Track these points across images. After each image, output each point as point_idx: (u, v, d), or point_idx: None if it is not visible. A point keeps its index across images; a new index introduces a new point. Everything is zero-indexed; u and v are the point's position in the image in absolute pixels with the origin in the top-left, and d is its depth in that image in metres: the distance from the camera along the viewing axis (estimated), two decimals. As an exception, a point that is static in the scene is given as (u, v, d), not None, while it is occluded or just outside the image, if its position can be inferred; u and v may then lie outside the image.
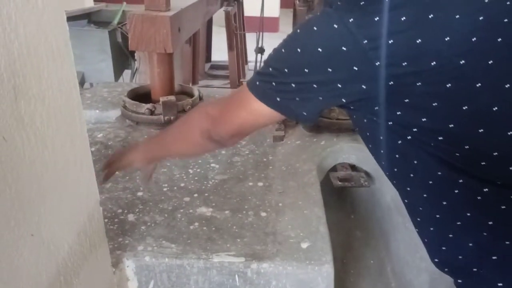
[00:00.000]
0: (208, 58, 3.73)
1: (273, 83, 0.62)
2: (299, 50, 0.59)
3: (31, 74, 0.57)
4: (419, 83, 0.53)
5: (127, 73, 3.44)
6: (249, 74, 3.45)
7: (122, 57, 3.25)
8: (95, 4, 5.32)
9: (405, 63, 0.52)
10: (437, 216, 0.63)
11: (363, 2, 0.54)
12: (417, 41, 0.51)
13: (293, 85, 0.60)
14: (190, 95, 1.55)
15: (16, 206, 0.55)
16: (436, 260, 0.69)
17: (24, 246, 0.58)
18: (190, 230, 1.00)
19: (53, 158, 0.63)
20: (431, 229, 0.66)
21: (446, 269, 0.68)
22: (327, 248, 0.95)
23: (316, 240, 0.98)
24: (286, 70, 0.61)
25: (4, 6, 0.51)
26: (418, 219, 0.68)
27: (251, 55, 3.28)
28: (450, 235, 0.63)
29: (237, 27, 2.80)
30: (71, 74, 0.67)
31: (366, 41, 0.53)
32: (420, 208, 0.66)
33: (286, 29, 5.53)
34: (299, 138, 1.47)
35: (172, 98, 1.37)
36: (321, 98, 0.60)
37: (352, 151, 1.41)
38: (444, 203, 0.61)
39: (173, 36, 1.33)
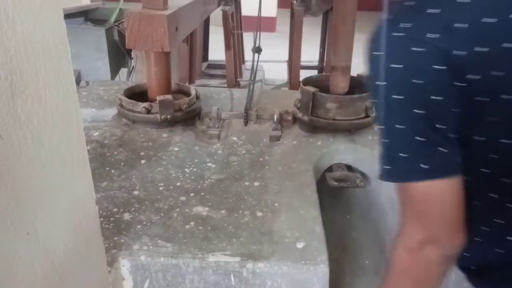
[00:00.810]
0: (205, 57, 3.71)
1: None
2: (397, 96, 0.55)
3: (28, 72, 0.57)
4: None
5: (123, 71, 3.43)
6: (246, 74, 3.44)
7: (119, 55, 3.23)
8: (92, 1, 5.30)
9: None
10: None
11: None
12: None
13: (418, 138, 0.55)
14: (187, 94, 1.54)
15: (12, 205, 0.55)
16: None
17: (20, 245, 0.58)
18: (186, 230, 1.00)
19: (49, 157, 0.63)
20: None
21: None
22: (323, 248, 0.96)
23: (312, 240, 0.98)
24: (398, 126, 0.56)
25: (1, 4, 0.50)
26: None
27: (248, 55, 3.27)
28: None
29: (234, 27, 2.80)
30: (68, 72, 0.66)
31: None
32: None
33: (283, 28, 5.53)
34: (296, 138, 1.48)
35: (169, 97, 1.37)
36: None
37: (348, 152, 1.42)
38: None
39: (170, 35, 1.32)
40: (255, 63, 2.05)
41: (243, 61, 3.59)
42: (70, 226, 0.71)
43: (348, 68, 1.45)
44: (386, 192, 1.31)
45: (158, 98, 1.36)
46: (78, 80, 3.19)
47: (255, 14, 2.37)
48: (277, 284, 0.92)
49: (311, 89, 1.40)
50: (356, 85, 1.55)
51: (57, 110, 0.64)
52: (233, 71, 2.69)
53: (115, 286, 0.91)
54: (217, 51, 3.62)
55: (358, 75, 1.56)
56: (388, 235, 1.29)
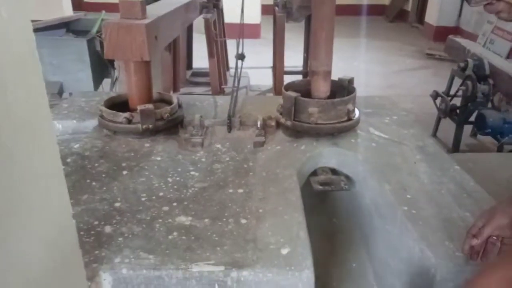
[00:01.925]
0: (189, 65, 3.72)
1: None
2: None
3: (-6, 87, 0.55)
4: None
5: (107, 82, 3.40)
6: (231, 80, 3.44)
7: (101, 66, 3.21)
8: (74, 13, 5.26)
9: None
10: None
11: None
12: None
13: None
14: (169, 102, 1.53)
15: (-20, 223, 0.53)
16: None
17: (-10, 264, 0.56)
18: (169, 240, 0.98)
19: (21, 172, 0.61)
20: None
21: None
22: (307, 254, 0.95)
23: (296, 246, 0.97)
24: None
25: (-38, 17, 0.49)
26: None
27: (232, 62, 3.28)
28: None
29: (217, 34, 2.80)
30: (38, 85, 0.65)
31: None
32: None
33: (267, 35, 5.55)
34: (280, 143, 1.47)
35: (150, 106, 1.36)
36: None
37: (332, 155, 1.42)
38: None
39: (149, 44, 1.32)
40: (239, 70, 2.05)
41: (228, 68, 3.59)
42: (45, 242, 0.69)
43: (328, 73, 1.46)
44: (371, 195, 1.32)
45: (139, 107, 1.35)
46: (60, 92, 3.15)
47: (239, 21, 2.38)
48: (262, 291, 0.91)
49: (292, 94, 1.41)
50: (338, 89, 1.56)
51: (28, 125, 0.63)
52: (217, 78, 2.69)
53: (97, 301, 0.89)
54: (201, 58, 3.62)
55: (339, 79, 1.57)
56: (373, 237, 1.29)
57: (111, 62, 3.18)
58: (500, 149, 2.67)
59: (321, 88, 1.45)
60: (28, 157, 0.63)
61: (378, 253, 1.25)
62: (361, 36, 7.73)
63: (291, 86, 1.53)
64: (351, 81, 1.54)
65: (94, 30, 3.12)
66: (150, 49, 1.32)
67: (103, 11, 3.51)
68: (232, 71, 3.63)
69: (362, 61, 6.27)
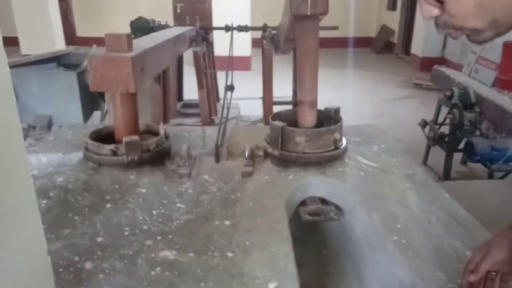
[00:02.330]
0: (180, 97, 3.74)
1: None
2: None
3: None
4: None
5: (97, 114, 3.40)
6: (220, 111, 3.46)
7: (91, 98, 3.23)
8: (66, 47, 5.31)
9: None
10: None
11: None
12: None
13: None
14: (156, 134, 1.52)
15: None
16: None
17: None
18: (151, 276, 0.95)
19: (-10, 208, 0.59)
20: None
21: None
22: (295, 287, 0.92)
23: (284, 279, 0.94)
24: None
25: None
26: None
27: (222, 93, 3.32)
28: None
29: (206, 66, 2.84)
30: (12, 119, 0.64)
31: None
32: None
33: (258, 67, 5.65)
34: (267, 173, 1.46)
35: (135, 137, 1.35)
36: None
37: (320, 184, 1.41)
38: None
39: (135, 76, 1.32)
40: (228, 101, 2.07)
41: (218, 99, 3.62)
42: (19, 279, 0.66)
43: (314, 102, 1.47)
44: (360, 224, 1.29)
45: (124, 139, 1.34)
46: (50, 125, 3.14)
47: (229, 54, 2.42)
48: (249, 329, 0.87)
49: (279, 123, 1.41)
50: (325, 119, 1.57)
51: (1, 161, 0.61)
52: (207, 109, 2.70)
53: None
54: (192, 90, 3.66)
55: (325, 108, 1.58)
56: (364, 268, 1.25)
57: (101, 94, 3.20)
58: (490, 176, 2.68)
59: (308, 117, 1.46)
60: (1, 194, 0.61)
61: (369, 285, 1.22)
62: (349, 67, 7.91)
63: (278, 116, 1.53)
64: (337, 110, 1.55)
65: (85, 63, 3.15)
66: (136, 81, 1.32)
67: (94, 45, 3.56)
68: (222, 102, 3.66)
69: (351, 91, 6.38)
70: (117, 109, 1.40)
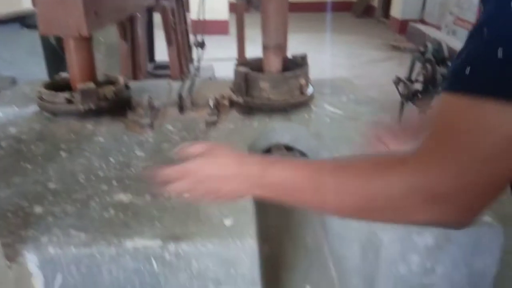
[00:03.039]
0: (151, 58, 3.62)
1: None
2: None
3: None
4: None
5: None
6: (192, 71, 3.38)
7: (57, 59, 3.08)
8: (32, 7, 5.02)
9: None
10: None
11: None
12: None
13: None
14: (114, 82, 1.46)
15: None
16: None
17: None
18: (104, 218, 0.92)
19: None
20: None
21: None
22: (251, 224, 0.91)
23: (240, 217, 0.93)
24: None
25: None
26: None
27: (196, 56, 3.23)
28: None
29: (175, 22, 2.73)
30: None
31: None
32: None
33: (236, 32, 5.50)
34: (232, 122, 1.43)
35: (91, 85, 1.29)
36: None
37: (285, 131, 1.38)
38: None
39: (87, 18, 1.24)
40: (200, 58, 2.00)
41: (191, 60, 3.52)
42: None
43: (279, 47, 1.42)
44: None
45: (79, 86, 1.27)
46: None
47: (206, 17, 2.33)
48: (204, 264, 0.86)
49: (243, 69, 1.36)
50: (291, 67, 1.53)
51: None
52: (177, 67, 2.62)
53: (22, 283, 0.82)
54: (166, 53, 3.54)
55: (292, 56, 1.54)
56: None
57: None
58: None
59: (272, 63, 1.42)
60: None
61: (332, 227, 1.22)
62: (329, 31, 7.80)
63: (243, 63, 1.48)
64: (304, 57, 1.51)
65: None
66: (88, 24, 1.24)
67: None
68: (195, 64, 3.56)
69: (330, 55, 6.31)
70: (71, 55, 1.33)
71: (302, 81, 1.40)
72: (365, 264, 0.99)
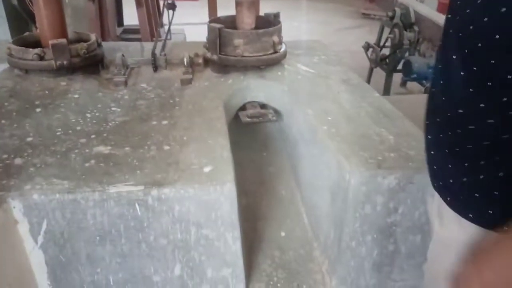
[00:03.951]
0: (120, 22, 3.51)
1: None
2: None
3: None
4: None
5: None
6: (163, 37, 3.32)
7: (20, 21, 2.94)
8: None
9: None
10: None
11: None
12: None
13: None
14: (86, 40, 1.44)
15: None
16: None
17: None
18: (85, 168, 0.94)
19: None
20: None
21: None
22: (229, 170, 0.96)
23: (219, 164, 0.97)
24: None
25: None
26: None
27: (166, 21, 3.17)
28: None
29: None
30: None
31: None
32: None
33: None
34: (207, 79, 1.45)
35: (63, 40, 1.27)
36: None
37: (260, 88, 1.42)
38: None
39: (56, -29, 1.21)
40: (170, 17, 1.97)
41: (161, 25, 3.44)
42: None
43: (253, 3, 1.44)
44: (296, 124, 1.35)
45: (51, 42, 1.25)
46: (-27, 50, 2.86)
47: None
48: (185, 208, 0.91)
49: (216, 25, 1.37)
50: (264, 24, 1.55)
51: None
52: (147, 31, 2.57)
53: (8, 230, 0.84)
54: (134, 17, 3.44)
55: (265, 14, 1.56)
56: (300, 164, 1.33)
57: (31, 16, 2.92)
58: (425, 93, 2.84)
59: (245, 19, 1.43)
60: None
61: (304, 178, 1.30)
62: (301, -2, 7.74)
63: (216, 20, 1.49)
64: (276, 15, 1.53)
65: (7, -20, 2.83)
66: (57, -23, 1.21)
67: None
68: (165, 28, 3.49)
69: (302, 22, 6.30)
70: (41, 10, 1.30)
71: (276, 39, 1.43)
72: (334, 208, 1.07)
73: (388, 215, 1.01)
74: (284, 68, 1.52)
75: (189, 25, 3.89)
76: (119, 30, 3.40)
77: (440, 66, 0.61)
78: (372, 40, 4.79)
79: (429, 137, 0.66)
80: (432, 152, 0.65)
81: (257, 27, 1.50)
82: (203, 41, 1.58)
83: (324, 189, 1.13)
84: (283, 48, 1.47)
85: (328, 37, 5.60)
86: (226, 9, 2.86)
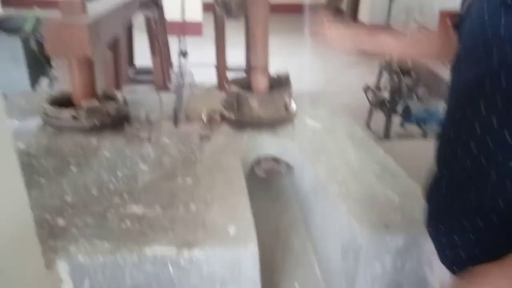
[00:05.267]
0: (131, 61, 3.67)
1: None
2: None
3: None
4: None
5: (44, 81, 3.28)
6: (174, 78, 3.46)
7: (38, 65, 3.09)
8: (3, 8, 4.93)
9: None
10: None
11: None
12: None
13: None
14: (114, 99, 1.56)
15: None
16: None
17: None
18: (122, 228, 1.04)
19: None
20: None
21: None
22: (252, 231, 1.06)
23: (242, 225, 1.08)
24: None
25: None
26: None
27: (176, 59, 3.32)
28: None
29: (158, 31, 2.82)
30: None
31: None
32: None
33: (210, 32, 5.59)
34: (224, 135, 1.57)
35: (95, 102, 1.39)
36: None
37: (273, 145, 1.54)
38: None
39: (92, 41, 1.35)
40: (182, 66, 2.11)
41: (171, 65, 3.61)
42: (3, 232, 0.73)
43: (266, 67, 1.58)
44: (308, 178, 1.46)
45: (85, 104, 1.38)
46: (-8, 92, 2.99)
47: (179, 18, 2.43)
48: (213, 268, 1.01)
49: (235, 89, 1.50)
50: (276, 85, 1.69)
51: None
52: (161, 76, 2.72)
53: (54, 289, 0.93)
54: (143, 55, 3.60)
55: (277, 75, 1.70)
56: (311, 216, 1.43)
57: (49, 60, 3.07)
58: (424, 136, 2.98)
59: (260, 82, 1.57)
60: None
61: (315, 231, 1.40)
62: (302, 33, 8.01)
63: (234, 82, 1.62)
64: (287, 77, 1.67)
65: (28, 28, 3.00)
66: (92, 46, 1.34)
67: (35, 8, 3.37)
68: (175, 68, 3.65)
69: (303, 57, 6.52)
70: (74, 74, 1.42)
71: (287, 99, 1.56)
72: (345, 264, 1.17)
73: (396, 272, 1.11)
74: (294, 124, 1.64)
75: (196, 66, 4.05)
76: (131, 71, 3.55)
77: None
78: (370, 77, 4.97)
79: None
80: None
81: (269, 86, 1.63)
82: (209, 82, 1.69)
83: (335, 245, 1.23)
84: (293, 107, 1.60)
85: (329, 74, 5.81)
86: (231, 46, 3.01)
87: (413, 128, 3.46)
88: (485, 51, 0.64)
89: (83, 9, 1.36)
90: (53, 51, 1.34)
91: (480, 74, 0.64)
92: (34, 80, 2.98)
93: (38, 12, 3.29)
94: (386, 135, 3.25)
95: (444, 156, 0.76)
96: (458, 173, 0.71)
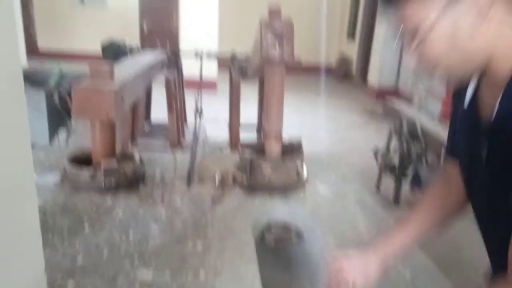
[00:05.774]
0: (147, 115, 3.80)
1: None
2: None
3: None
4: None
5: (62, 133, 3.40)
6: (188, 133, 3.57)
7: (58, 117, 3.22)
8: (28, 60, 5.20)
9: None
10: None
11: None
12: None
13: None
14: (131, 158, 1.62)
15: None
16: None
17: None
18: (131, 294, 1.04)
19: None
20: None
21: None
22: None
23: (251, 296, 1.07)
24: None
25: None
26: None
27: (190, 115, 3.44)
28: None
29: (177, 91, 2.95)
30: (24, 138, 0.74)
31: None
32: None
33: (223, 88, 5.82)
34: (236, 198, 1.59)
35: (113, 163, 1.44)
36: None
37: (284, 210, 1.56)
38: None
39: (117, 106, 1.42)
40: (196, 126, 2.19)
41: (186, 121, 3.72)
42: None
43: (279, 133, 1.63)
44: (318, 246, 1.45)
45: (104, 164, 1.43)
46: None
47: (196, 77, 2.56)
48: None
49: (248, 155, 1.55)
50: (288, 150, 1.73)
51: (9, 179, 0.70)
52: (176, 133, 2.81)
53: None
54: (158, 108, 3.75)
55: (289, 142, 1.75)
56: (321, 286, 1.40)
57: (69, 113, 3.21)
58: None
59: (273, 148, 1.61)
60: (10, 217, 0.70)
61: (320, 283, 1.36)
62: (312, 94, 8.31)
63: (247, 146, 1.68)
64: (299, 143, 1.72)
65: (53, 83, 3.16)
66: (116, 110, 1.42)
67: (60, 62, 3.58)
68: (189, 124, 3.76)
69: (313, 117, 6.70)
70: (96, 135, 1.49)
71: (299, 166, 1.60)
72: None
73: None
74: (305, 189, 1.67)
75: (209, 121, 4.17)
76: (147, 127, 3.67)
77: None
78: (379, 138, 5.04)
79: None
80: None
81: (282, 152, 1.68)
82: (222, 137, 1.73)
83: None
84: (305, 172, 1.64)
85: (338, 134, 5.92)
86: (243, 101, 3.12)
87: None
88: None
89: (112, 77, 1.45)
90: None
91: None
92: (52, 131, 3.09)
93: (63, 65, 3.49)
94: (396, 200, 3.24)
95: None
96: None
